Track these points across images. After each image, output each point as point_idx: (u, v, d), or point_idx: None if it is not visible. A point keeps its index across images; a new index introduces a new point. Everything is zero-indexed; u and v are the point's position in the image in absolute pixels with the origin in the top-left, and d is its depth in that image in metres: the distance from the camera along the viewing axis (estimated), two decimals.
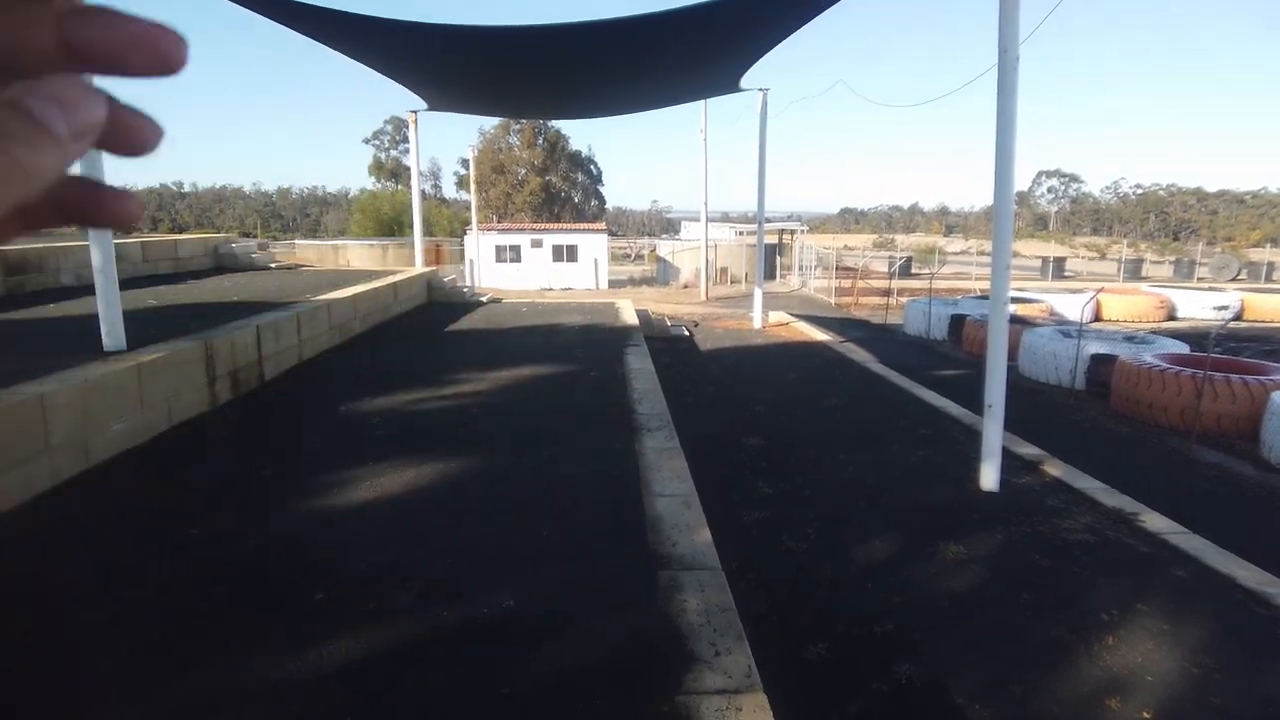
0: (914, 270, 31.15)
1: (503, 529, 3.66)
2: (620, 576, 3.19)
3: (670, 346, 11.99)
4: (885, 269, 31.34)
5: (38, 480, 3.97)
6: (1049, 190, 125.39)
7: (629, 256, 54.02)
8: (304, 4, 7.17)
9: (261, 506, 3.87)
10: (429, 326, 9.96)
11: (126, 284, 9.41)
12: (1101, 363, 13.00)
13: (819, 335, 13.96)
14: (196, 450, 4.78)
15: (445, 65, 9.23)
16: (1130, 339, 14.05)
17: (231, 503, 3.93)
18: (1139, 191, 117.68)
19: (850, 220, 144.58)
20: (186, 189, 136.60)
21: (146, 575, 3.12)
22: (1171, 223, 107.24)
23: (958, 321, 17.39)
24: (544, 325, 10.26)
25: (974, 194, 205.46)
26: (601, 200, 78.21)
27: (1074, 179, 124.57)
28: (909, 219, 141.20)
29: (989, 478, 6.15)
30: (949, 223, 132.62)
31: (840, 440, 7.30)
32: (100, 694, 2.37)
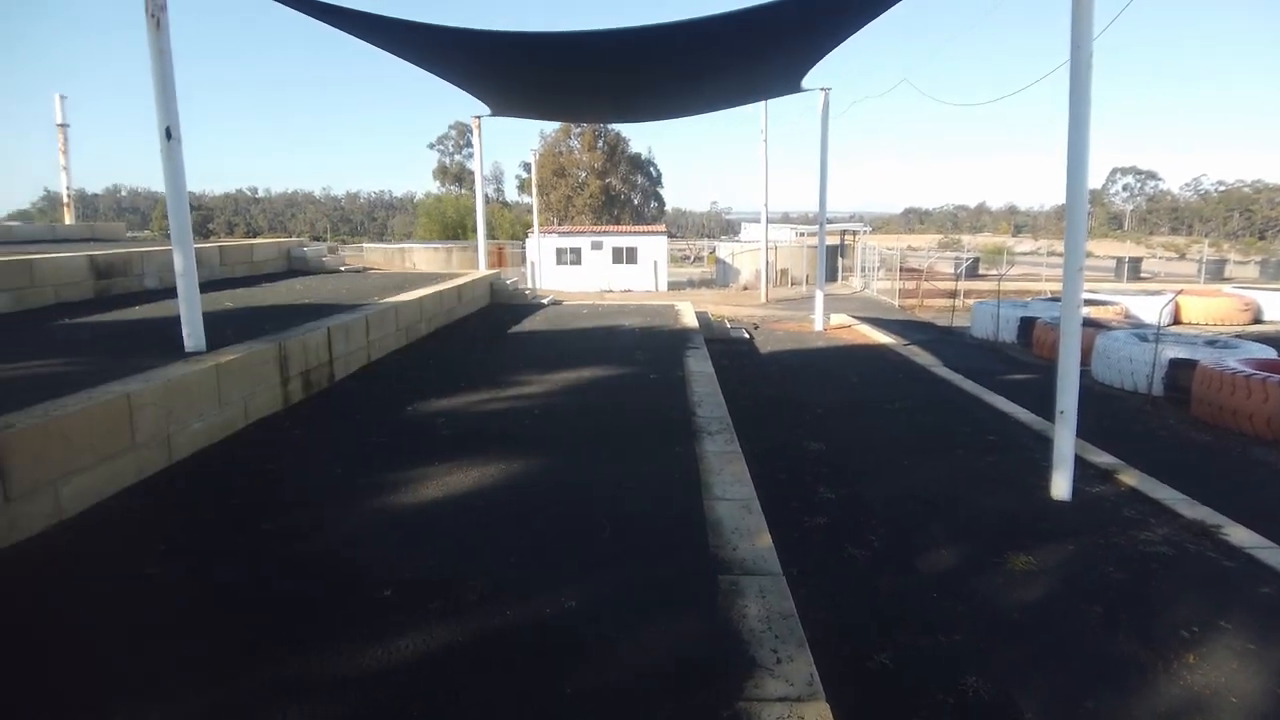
0: (981, 271, 30.36)
1: (565, 530, 3.70)
2: (681, 580, 3.20)
3: (730, 349, 11.93)
4: (950, 270, 30.63)
5: (124, 475, 4.17)
6: (1124, 188, 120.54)
7: (688, 258, 53.97)
8: (377, 16, 7.37)
9: (333, 503, 3.99)
10: (492, 328, 10.12)
11: (205, 287, 9.79)
12: (1181, 368, 12.49)
13: (881, 338, 13.73)
14: (271, 448, 4.95)
15: (509, 71, 9.37)
16: (1212, 343, 13.46)
17: (305, 500, 4.06)
18: (1221, 188, 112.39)
19: (914, 220, 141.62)
20: (260, 194, 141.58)
21: (223, 568, 3.25)
22: (1257, 221, 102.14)
23: (1027, 324, 16.92)
24: (604, 327, 10.33)
25: (1044, 192, 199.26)
26: (661, 202, 78.33)
27: (1151, 176, 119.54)
28: (975, 218, 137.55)
29: (1061, 486, 5.96)
30: (1017, 222, 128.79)
31: (904, 446, 7.17)
32: (178, 681, 2.48)
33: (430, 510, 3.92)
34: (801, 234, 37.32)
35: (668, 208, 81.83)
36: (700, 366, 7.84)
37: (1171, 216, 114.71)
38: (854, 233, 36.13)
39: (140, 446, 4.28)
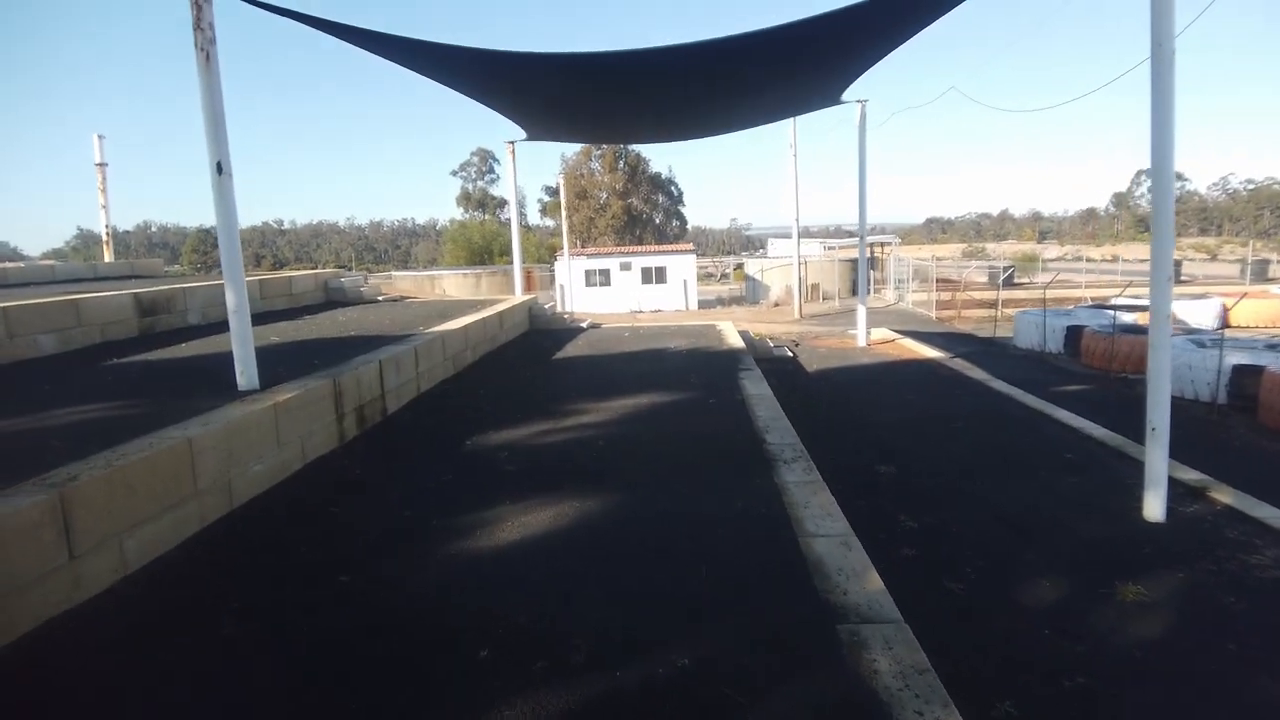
0: (1016, 280, 29.81)
1: (656, 574, 3.45)
2: (797, 630, 2.93)
3: (775, 368, 11.65)
4: (983, 280, 30.13)
5: (187, 524, 3.99)
6: (1149, 190, 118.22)
7: (714, 276, 53.78)
8: (421, 42, 7.27)
9: (408, 550, 3.78)
10: (536, 354, 9.94)
11: None
12: (1246, 374, 12.03)
13: (928, 352, 13.38)
14: (332, 489, 4.76)
15: (549, 94, 9.25)
16: (1273, 347, 12.99)
17: (377, 546, 3.85)
18: (1250, 186, 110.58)
19: (936, 230, 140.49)
20: (286, 226, 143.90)
21: (304, 628, 3.03)
22: None
23: (1074, 333, 16.49)
24: (649, 350, 10.10)
25: (1067, 198, 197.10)
26: (683, 221, 78.35)
27: (1177, 176, 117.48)
28: (999, 226, 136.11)
29: (1154, 507, 5.62)
30: (1042, 228, 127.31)
31: (979, 467, 6.85)
32: None
33: (510, 554, 3.69)
34: (830, 247, 36.99)
35: (689, 226, 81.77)
36: (758, 389, 7.58)
37: (1200, 217, 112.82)
38: (884, 245, 35.73)
39: (203, 493, 4.11)
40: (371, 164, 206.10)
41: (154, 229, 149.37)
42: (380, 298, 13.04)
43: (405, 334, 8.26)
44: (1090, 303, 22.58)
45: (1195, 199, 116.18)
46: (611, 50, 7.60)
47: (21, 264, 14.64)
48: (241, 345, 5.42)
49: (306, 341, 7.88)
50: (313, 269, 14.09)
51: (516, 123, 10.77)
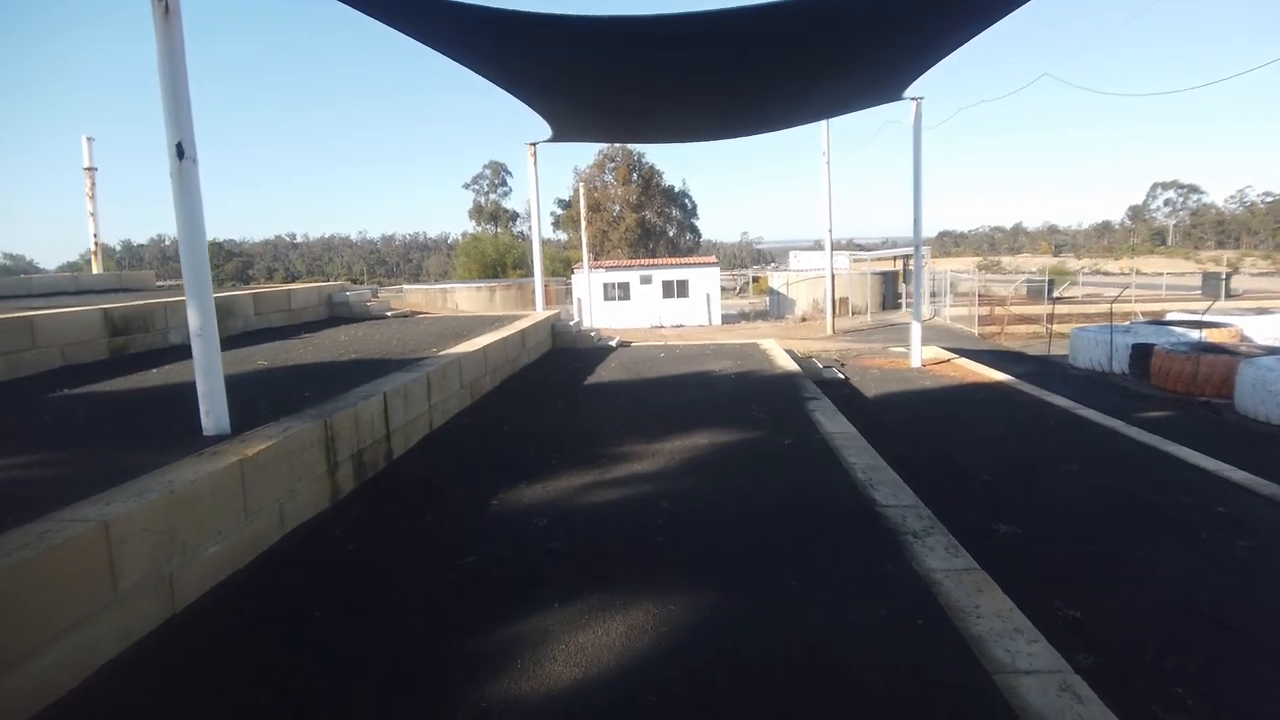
0: (1056, 294, 28.38)
1: None
2: None
3: (828, 391, 10.37)
4: (1021, 293, 28.77)
5: (103, 647, 2.77)
6: (1165, 203, 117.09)
7: (734, 289, 52.52)
8: (455, 2, 6.10)
9: (426, 697, 2.54)
10: (564, 379, 8.71)
11: (237, 340, 8.54)
12: None
13: (992, 374, 12.08)
14: (319, 580, 3.53)
15: (582, 76, 8.09)
16: None
17: (377, 687, 2.61)
18: (1269, 199, 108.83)
19: (949, 243, 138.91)
20: (299, 239, 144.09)
21: None
22: None
23: (1142, 352, 15.14)
24: (692, 375, 8.86)
25: (1082, 211, 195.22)
26: (697, 234, 77.47)
27: (1193, 189, 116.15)
28: (1012, 239, 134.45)
29: None
30: (1057, 242, 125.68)
31: (1119, 526, 5.55)
32: None
33: (573, 711, 2.45)
34: (857, 259, 35.72)
35: (701, 239, 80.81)
36: (836, 425, 6.32)
37: (1217, 230, 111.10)
38: (910, 257, 34.48)
39: (126, 598, 2.88)
40: (384, 178, 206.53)
41: (168, 241, 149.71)
42: (389, 313, 11.86)
43: (415, 357, 7.05)
44: (1142, 318, 21.21)
45: (1213, 211, 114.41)
46: (663, 14, 6.40)
47: None
48: (207, 379, 4.21)
49: (301, 367, 6.68)
50: (320, 282, 12.92)
51: (544, 116, 9.60)
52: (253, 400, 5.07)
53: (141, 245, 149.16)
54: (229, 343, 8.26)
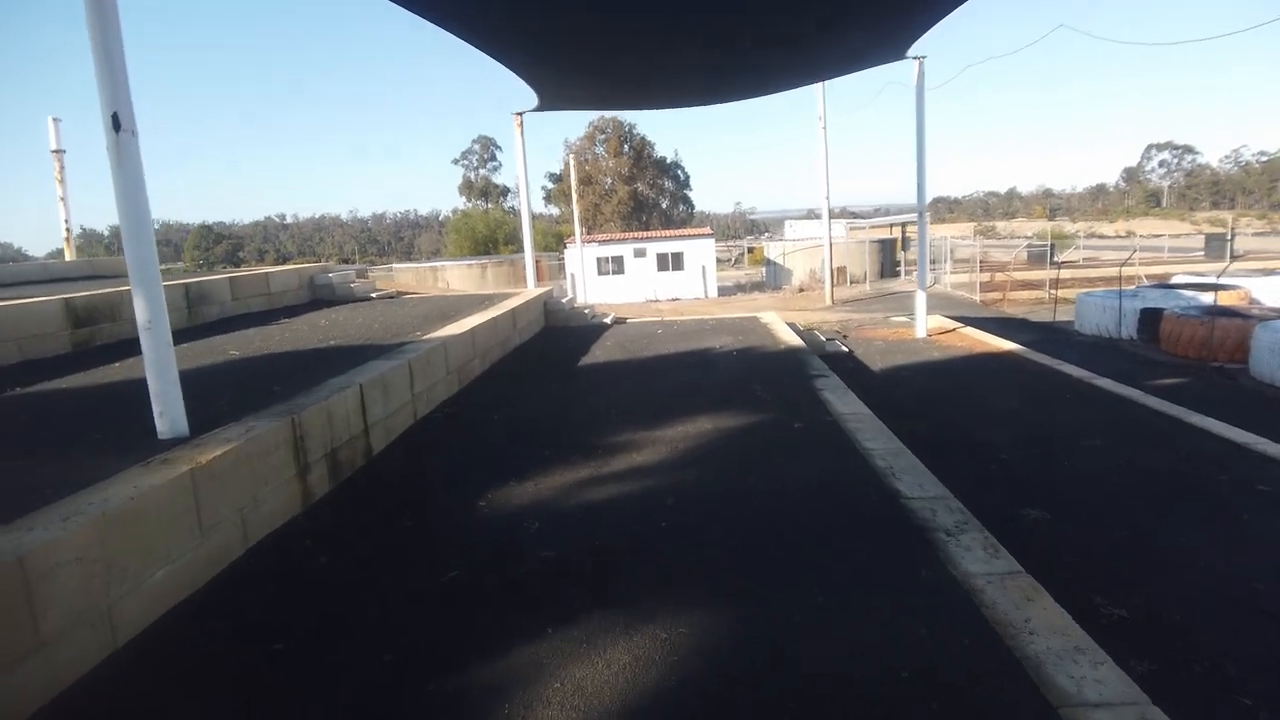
0: (1058, 259, 27.90)
1: None
2: None
3: (834, 366, 9.99)
4: (1022, 258, 28.32)
5: (22, 700, 2.38)
6: (1160, 164, 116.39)
7: (729, 260, 51.93)
8: None
9: None
10: (558, 360, 8.30)
11: (211, 328, 8.09)
12: None
13: (1000, 343, 11.69)
14: (283, 598, 3.14)
15: (571, 38, 7.58)
16: None
17: None
18: (1264, 159, 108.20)
19: (944, 209, 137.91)
20: (289, 220, 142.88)
21: None
22: None
23: (1150, 316, 14.75)
24: (692, 352, 8.46)
25: (1076, 174, 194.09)
26: (690, 205, 76.66)
27: (1188, 150, 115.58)
28: (1006, 204, 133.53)
29: None
30: (1052, 205, 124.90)
31: (1154, 506, 5.19)
32: None
33: None
34: (855, 227, 35.16)
35: (695, 211, 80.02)
36: (848, 405, 5.93)
37: (1212, 191, 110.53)
38: (909, 224, 33.85)
39: (52, 641, 2.49)
40: (373, 156, 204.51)
41: (158, 226, 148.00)
42: (374, 295, 11.40)
43: (399, 342, 6.62)
44: (1147, 281, 20.80)
45: (1207, 172, 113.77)
46: None
47: None
48: (160, 377, 3.79)
49: (274, 356, 6.25)
50: (309, 263, 12.45)
51: (530, 83, 9.08)
52: (217, 396, 4.66)
53: None
54: (203, 331, 7.84)
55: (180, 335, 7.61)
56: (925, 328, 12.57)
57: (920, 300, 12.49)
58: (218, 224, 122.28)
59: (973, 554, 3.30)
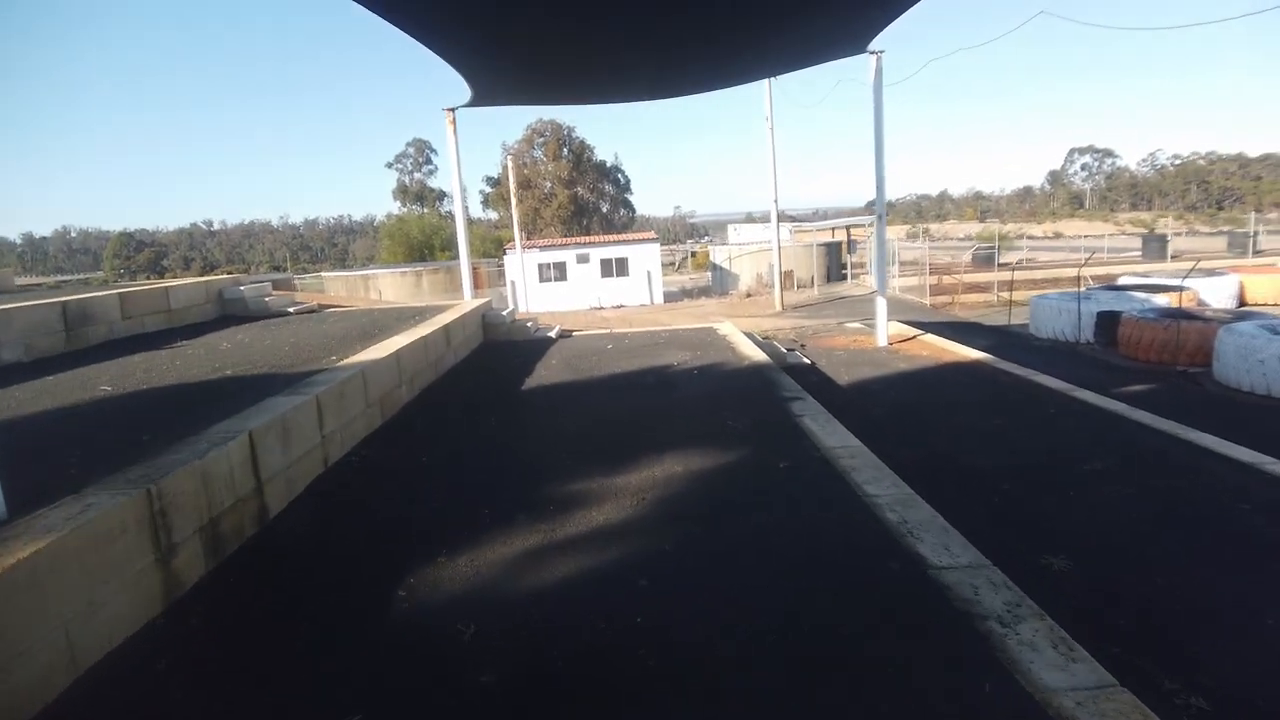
0: (1001, 261, 27.92)
1: None
2: None
3: (799, 380, 9.31)
4: (964, 261, 28.30)
5: None
6: (1082, 167, 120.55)
7: (672, 265, 51.32)
8: None
9: None
10: (498, 384, 7.39)
11: (92, 354, 6.91)
12: None
13: (964, 351, 11.18)
14: None
15: (506, 20, 6.70)
16: None
17: None
18: (1177, 162, 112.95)
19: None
20: (216, 227, 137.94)
21: None
22: (1214, 192, 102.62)
23: (1107, 320, 14.49)
24: (648, 371, 7.64)
25: (1003, 176, 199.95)
26: (631, 210, 76.14)
27: (1108, 154, 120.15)
28: (939, 207, 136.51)
29: None
30: (982, 208, 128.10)
31: (1187, 550, 4.55)
32: None
33: None
34: (797, 230, 34.86)
35: (636, 215, 79.48)
36: (835, 436, 5.18)
37: (1131, 193, 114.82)
38: (861, 226, 33.76)
39: None
40: (304, 159, 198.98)
41: (74, 234, 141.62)
42: (292, 309, 10.29)
43: (308, 370, 5.64)
44: (1093, 283, 20.77)
45: (1126, 175, 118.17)
46: None
47: None
48: None
49: (155, 392, 5.21)
50: (215, 276, 11.21)
51: (465, 75, 8.13)
52: (66, 453, 3.67)
53: (44, 238, 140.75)
54: (79, 358, 6.72)
55: (51, 364, 6.50)
56: (886, 336, 12.00)
57: (881, 307, 11.92)
58: (140, 230, 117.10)
59: (1042, 655, 2.54)
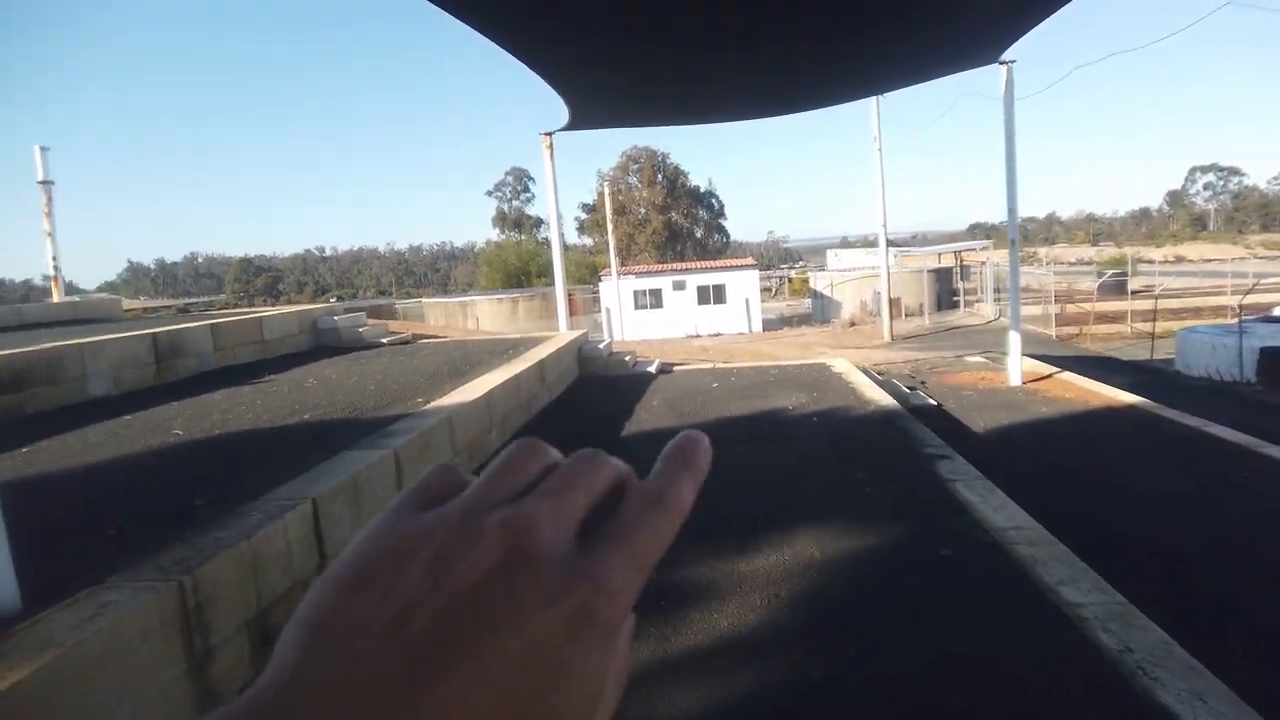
0: (1132, 288, 25.73)
1: None
2: None
3: (929, 425, 8.30)
4: (1083, 286, 26.29)
5: None
6: (1205, 187, 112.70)
7: (769, 290, 50.18)
8: None
9: None
10: (595, 430, 6.74)
11: (177, 389, 6.62)
12: None
13: (1116, 394, 9.90)
14: None
15: (612, 41, 6.13)
16: None
17: None
18: None
19: (981, 235, 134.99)
20: (328, 253, 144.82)
21: None
22: None
23: (1273, 358, 12.79)
24: (761, 417, 6.85)
25: (1117, 197, 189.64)
26: (725, 235, 75.43)
27: (1234, 171, 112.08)
28: (1046, 229, 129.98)
29: None
30: (1094, 230, 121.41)
31: None
32: None
33: None
34: (906, 255, 33.33)
35: (730, 240, 78.69)
36: (1001, 510, 4.26)
37: (1261, 213, 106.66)
38: (960, 252, 32.05)
39: None
40: (410, 189, 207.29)
41: (200, 259, 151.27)
42: (385, 340, 9.98)
43: (391, 415, 5.12)
44: (1245, 314, 18.70)
45: (1255, 194, 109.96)
46: None
47: None
48: None
49: (225, 440, 4.77)
50: (311, 305, 11.06)
51: (563, 95, 7.61)
52: (107, 520, 3.17)
53: (175, 263, 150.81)
54: (163, 394, 6.43)
55: (135, 400, 6.21)
56: (1020, 373, 10.82)
57: (1014, 341, 10.76)
58: (258, 256, 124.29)
59: None
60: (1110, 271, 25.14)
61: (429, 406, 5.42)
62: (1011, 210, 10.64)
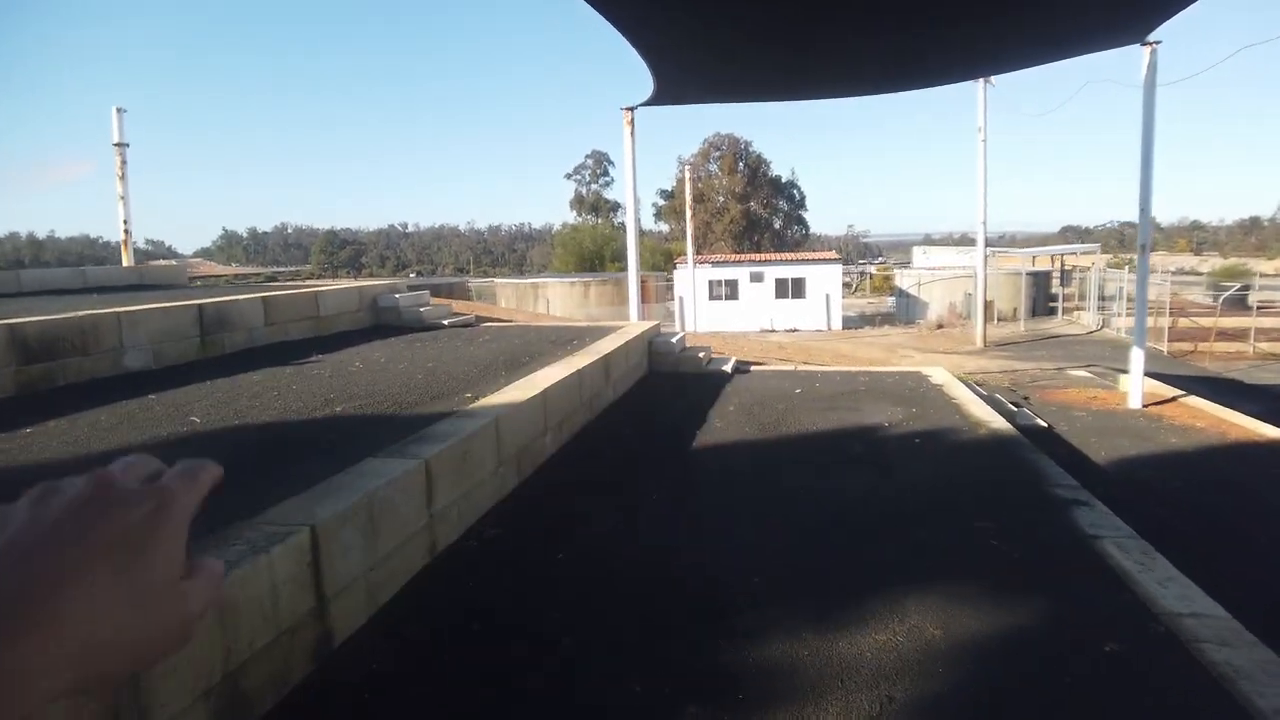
0: (1253, 302, 23.56)
1: None
2: None
3: (1045, 448, 7.29)
4: (1192, 298, 24.26)
5: None
6: None
7: (848, 286, 48.51)
8: None
9: None
10: (663, 440, 6.00)
11: (218, 366, 6.13)
12: None
13: (1255, 425, 8.67)
14: None
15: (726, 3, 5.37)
16: None
17: None
18: None
19: (1073, 238, 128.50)
20: (410, 229, 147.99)
21: None
22: None
23: None
24: (852, 434, 6.01)
25: (1223, 205, 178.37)
26: (804, 227, 73.60)
27: None
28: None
29: None
30: (1198, 239, 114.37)
31: None
32: None
33: None
34: (1002, 255, 31.48)
35: (810, 233, 76.75)
36: (1169, 587, 3.36)
37: None
38: (1077, 254, 30.03)
39: None
40: (492, 170, 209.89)
41: (290, 230, 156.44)
42: (446, 321, 9.43)
43: (433, 413, 4.49)
44: None
45: None
46: None
47: None
48: None
49: (243, 432, 4.21)
50: (373, 281, 10.61)
51: (651, 65, 6.85)
52: None
53: (265, 233, 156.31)
54: (201, 370, 5.97)
55: (171, 376, 5.73)
56: (1141, 395, 9.63)
57: (1137, 359, 9.55)
58: (344, 230, 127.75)
59: None
60: (1235, 285, 23.03)
61: (476, 405, 4.77)
62: (1144, 210, 9.45)
